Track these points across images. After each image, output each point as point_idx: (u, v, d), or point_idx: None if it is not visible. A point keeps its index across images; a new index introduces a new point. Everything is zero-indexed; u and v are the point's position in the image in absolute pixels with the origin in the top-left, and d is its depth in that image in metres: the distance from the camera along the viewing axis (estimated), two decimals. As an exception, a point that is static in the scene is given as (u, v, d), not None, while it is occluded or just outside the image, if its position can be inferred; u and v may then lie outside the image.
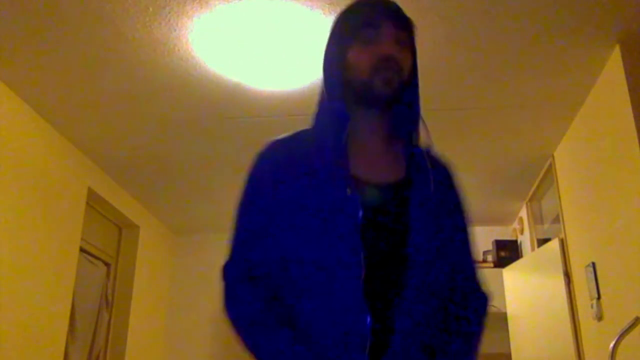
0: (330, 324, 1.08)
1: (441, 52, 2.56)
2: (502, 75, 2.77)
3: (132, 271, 4.45)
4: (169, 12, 2.33)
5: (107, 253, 4.30)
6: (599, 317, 2.85)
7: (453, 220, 1.25)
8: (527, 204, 4.43)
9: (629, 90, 2.45)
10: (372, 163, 1.22)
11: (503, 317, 4.11)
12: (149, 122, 3.24)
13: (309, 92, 2.88)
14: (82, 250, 3.72)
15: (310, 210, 1.14)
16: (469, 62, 2.67)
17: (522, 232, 4.59)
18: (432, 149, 1.30)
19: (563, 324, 3.32)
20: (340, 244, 1.11)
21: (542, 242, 4.02)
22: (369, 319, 1.07)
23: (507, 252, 4.60)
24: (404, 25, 1.22)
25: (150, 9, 2.31)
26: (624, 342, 2.24)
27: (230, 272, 1.19)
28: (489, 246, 4.74)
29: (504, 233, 4.88)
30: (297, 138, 1.27)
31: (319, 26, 2.40)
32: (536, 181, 4.03)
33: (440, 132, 2.96)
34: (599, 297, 2.85)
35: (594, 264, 2.91)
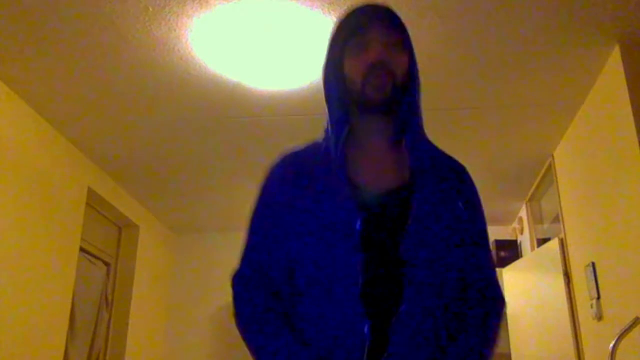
0: (330, 330, 1.10)
1: (441, 52, 2.56)
2: (502, 75, 2.77)
3: (132, 271, 4.45)
4: (169, 12, 2.33)
5: (107, 253, 4.30)
6: (599, 317, 2.85)
7: (463, 223, 1.21)
8: (527, 204, 4.43)
9: (629, 90, 2.45)
10: (375, 170, 1.22)
11: (503, 317, 4.10)
12: (149, 122, 3.24)
13: (309, 92, 2.88)
14: (82, 250, 3.72)
15: (312, 218, 1.16)
16: (469, 62, 2.67)
17: (522, 232, 4.59)
18: (441, 150, 1.29)
19: (563, 324, 3.32)
20: (340, 252, 1.12)
21: (542, 242, 4.02)
22: (367, 326, 1.07)
23: (507, 252, 4.60)
24: (393, 28, 1.21)
25: (150, 9, 2.31)
26: (624, 342, 2.24)
27: (239, 280, 1.22)
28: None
29: (504, 233, 4.89)
30: (307, 150, 1.29)
31: (319, 26, 2.40)
32: (536, 181, 4.03)
33: (440, 132, 2.96)
34: (599, 297, 2.85)
35: (594, 264, 2.91)
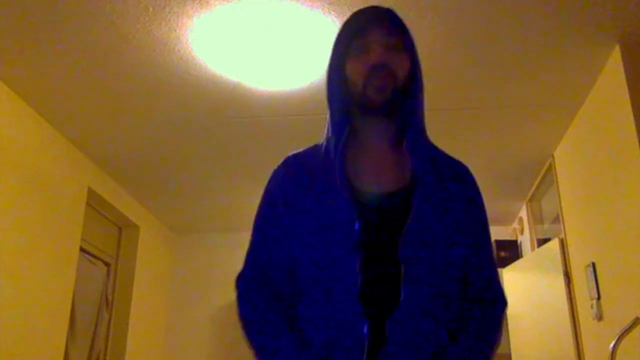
0: (330, 330, 1.10)
1: (441, 52, 2.56)
2: (502, 75, 2.77)
3: (132, 271, 4.46)
4: (169, 12, 2.33)
5: (107, 253, 4.30)
6: (599, 317, 2.85)
7: (465, 220, 1.21)
8: (527, 204, 4.43)
9: (629, 90, 2.45)
10: (376, 170, 1.22)
11: (503, 317, 4.10)
12: (149, 122, 3.24)
13: (309, 92, 2.88)
14: (82, 250, 3.72)
15: (312, 219, 1.17)
16: (469, 62, 2.67)
17: (522, 232, 4.59)
18: (443, 151, 1.30)
19: (563, 324, 3.32)
20: (339, 252, 1.13)
21: (542, 242, 4.02)
22: (366, 326, 1.08)
23: (507, 252, 4.60)
24: (395, 30, 1.22)
25: (150, 9, 2.31)
26: (624, 342, 2.24)
27: (241, 280, 1.24)
28: (489, 246, 4.73)
29: (504, 233, 4.89)
30: (308, 152, 1.29)
31: (319, 26, 2.40)
32: (536, 181, 4.03)
33: (440, 132, 2.96)
34: (599, 297, 2.85)
35: (594, 264, 2.91)
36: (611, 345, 2.25)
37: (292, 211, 1.20)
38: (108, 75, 2.77)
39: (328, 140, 1.26)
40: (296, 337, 1.12)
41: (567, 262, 3.38)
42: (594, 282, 2.89)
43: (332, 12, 2.31)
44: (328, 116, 1.28)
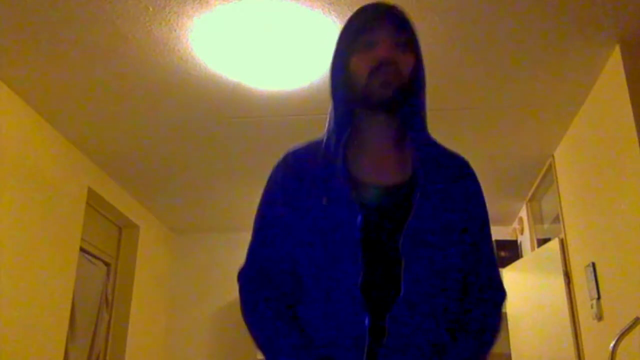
0: (330, 329, 1.10)
1: (441, 52, 2.56)
2: (502, 75, 2.76)
3: (132, 271, 4.46)
4: (169, 12, 2.33)
5: (107, 253, 4.30)
6: (599, 317, 2.85)
7: (465, 215, 1.21)
8: (527, 204, 4.43)
9: (629, 90, 2.45)
10: (377, 167, 1.22)
11: (503, 317, 4.10)
12: (149, 122, 3.24)
13: (309, 92, 2.88)
14: (82, 250, 3.72)
15: (313, 216, 1.17)
16: (469, 62, 2.67)
17: (522, 232, 4.59)
18: (444, 147, 1.29)
19: (563, 324, 3.32)
20: (340, 248, 1.13)
21: (542, 242, 4.02)
22: (367, 321, 1.07)
23: (507, 252, 4.59)
24: (402, 28, 1.22)
25: (150, 9, 2.31)
26: (624, 342, 2.24)
27: (244, 276, 1.24)
28: (489, 246, 4.73)
29: (504, 233, 4.89)
30: (309, 148, 1.29)
31: (319, 26, 2.40)
32: (536, 181, 4.03)
33: (440, 132, 2.96)
34: (599, 297, 2.85)
35: (594, 264, 2.91)
36: (611, 345, 2.24)
37: (292, 209, 1.20)
38: (108, 75, 2.77)
39: (329, 136, 1.25)
40: (297, 337, 1.12)
41: (567, 262, 3.38)
42: (594, 282, 2.89)
43: (332, 12, 2.31)
44: (330, 111, 1.27)
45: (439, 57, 2.60)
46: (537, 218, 4.36)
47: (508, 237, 4.82)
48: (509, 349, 4.07)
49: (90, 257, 3.99)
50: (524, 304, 3.95)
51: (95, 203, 3.94)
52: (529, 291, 3.93)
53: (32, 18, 2.35)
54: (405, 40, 1.21)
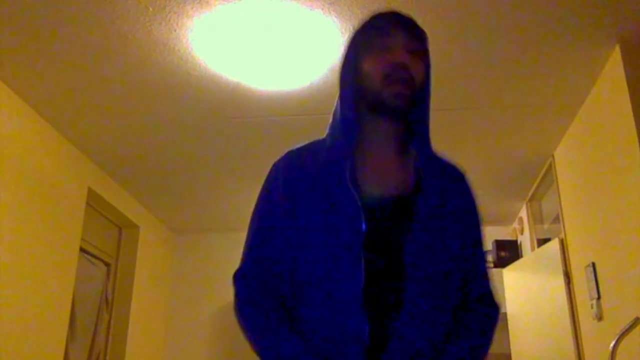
0: (330, 332, 1.09)
1: (441, 52, 2.56)
2: (502, 75, 2.77)
3: (132, 271, 4.45)
4: (169, 12, 2.33)
5: (107, 253, 4.30)
6: (599, 317, 2.85)
7: (460, 228, 1.23)
8: (527, 204, 4.43)
9: (629, 90, 2.45)
10: (381, 174, 1.22)
11: (503, 317, 4.11)
12: (149, 122, 3.24)
13: (308, 92, 2.88)
14: (82, 250, 3.72)
15: (316, 219, 1.16)
16: (469, 62, 2.67)
17: (522, 232, 4.59)
18: (443, 155, 1.30)
19: (563, 324, 3.32)
20: (343, 254, 1.12)
21: (542, 242, 4.02)
22: (367, 329, 1.07)
23: (507, 252, 4.59)
24: (416, 36, 1.24)
25: (150, 9, 2.31)
26: (624, 342, 2.23)
27: (240, 276, 1.22)
28: (489, 246, 4.74)
29: (504, 233, 4.88)
30: (310, 148, 1.28)
31: (319, 26, 2.40)
32: (536, 181, 4.03)
33: (440, 132, 2.96)
34: (599, 297, 2.85)
35: (594, 264, 2.91)
36: (611, 345, 2.24)
37: (292, 210, 1.18)
38: (108, 75, 2.77)
39: (332, 136, 1.25)
40: (296, 341, 1.11)
41: (567, 262, 3.38)
42: (594, 282, 2.89)
43: (332, 12, 2.31)
44: (335, 111, 1.27)
45: (438, 57, 2.59)
46: (537, 218, 4.37)
47: (508, 237, 4.82)
48: (509, 349, 4.07)
49: (90, 257, 3.99)
50: (524, 304, 3.95)
51: (95, 203, 3.94)
52: (529, 291, 3.93)
53: (32, 18, 2.35)
54: (419, 49, 1.24)
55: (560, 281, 3.38)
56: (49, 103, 3.03)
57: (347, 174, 1.18)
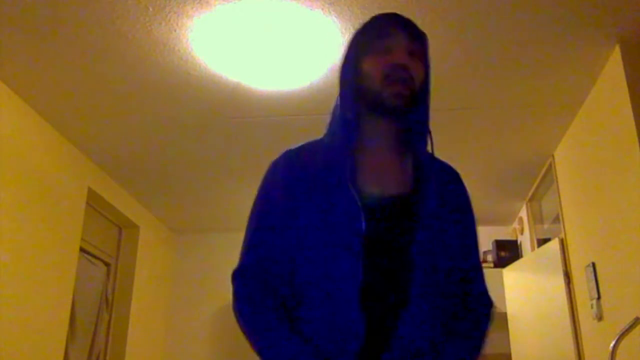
0: (328, 332, 1.10)
1: (441, 52, 2.56)
2: (502, 75, 2.77)
3: (132, 271, 4.45)
4: (169, 12, 2.33)
5: (107, 253, 4.30)
6: (599, 317, 2.85)
7: (459, 228, 1.25)
8: (527, 204, 4.43)
9: (629, 90, 2.45)
10: (381, 174, 1.23)
11: (503, 317, 4.11)
12: (149, 122, 3.24)
13: (309, 92, 2.88)
14: (82, 250, 3.72)
15: (315, 219, 1.16)
16: (469, 62, 2.67)
17: (522, 232, 4.59)
18: (436, 157, 1.30)
19: (563, 324, 3.32)
20: (343, 254, 1.12)
21: (542, 242, 4.02)
22: (364, 329, 1.07)
23: (507, 252, 4.60)
24: (416, 38, 1.25)
25: (150, 9, 2.31)
26: (624, 342, 2.23)
27: (238, 275, 1.21)
28: (489, 246, 4.74)
29: (504, 233, 4.89)
30: (308, 148, 1.28)
31: (319, 26, 2.40)
32: (536, 181, 4.03)
33: (440, 132, 2.96)
34: (599, 297, 2.85)
35: (594, 264, 2.91)
36: (611, 345, 2.24)
37: (293, 209, 1.18)
38: (108, 75, 2.77)
39: (332, 136, 1.25)
40: (297, 341, 1.11)
41: (567, 262, 3.38)
42: (594, 282, 2.89)
43: (332, 12, 2.31)
44: (334, 111, 1.27)
45: (438, 57, 2.59)
46: (537, 218, 4.37)
47: (508, 237, 4.83)
48: (509, 349, 4.07)
49: (90, 257, 3.99)
50: (524, 304, 3.95)
51: (95, 203, 3.94)
52: (529, 291, 3.93)
53: (32, 18, 2.35)
54: (419, 51, 1.25)
55: (560, 281, 3.38)
56: (49, 103, 3.03)
57: (347, 174, 1.18)
